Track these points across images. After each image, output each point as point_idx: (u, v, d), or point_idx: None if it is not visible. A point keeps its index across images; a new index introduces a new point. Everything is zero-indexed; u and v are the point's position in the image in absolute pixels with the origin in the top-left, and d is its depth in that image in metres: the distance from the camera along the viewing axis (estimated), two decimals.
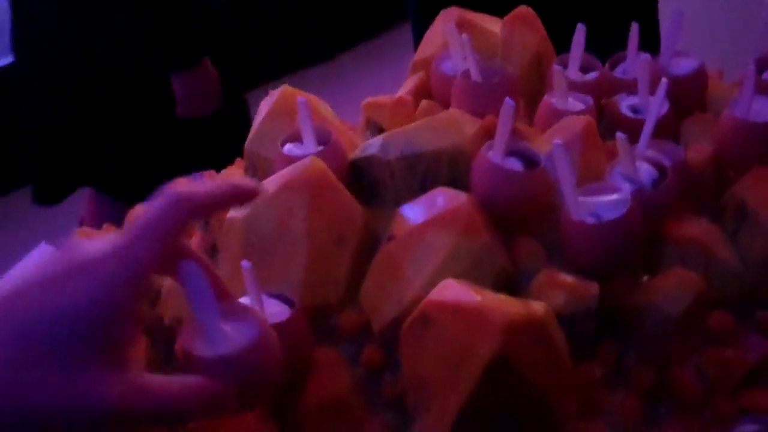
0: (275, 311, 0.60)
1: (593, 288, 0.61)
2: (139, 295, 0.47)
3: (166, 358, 0.66)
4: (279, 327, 0.59)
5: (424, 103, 0.82)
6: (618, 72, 0.86)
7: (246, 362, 0.50)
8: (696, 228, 0.69)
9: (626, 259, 0.64)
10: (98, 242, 0.47)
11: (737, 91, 0.79)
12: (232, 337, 0.51)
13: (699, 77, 0.82)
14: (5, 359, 0.43)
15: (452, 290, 0.55)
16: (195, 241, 0.76)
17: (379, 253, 0.65)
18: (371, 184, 0.70)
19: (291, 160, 0.68)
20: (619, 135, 0.65)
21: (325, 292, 0.65)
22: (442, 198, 0.64)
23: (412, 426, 0.59)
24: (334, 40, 2.93)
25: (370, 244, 0.68)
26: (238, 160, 0.89)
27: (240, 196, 0.53)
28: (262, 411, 0.60)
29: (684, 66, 0.82)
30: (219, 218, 0.74)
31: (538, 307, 0.55)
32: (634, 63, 0.85)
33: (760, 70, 0.80)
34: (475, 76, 0.75)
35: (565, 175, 0.62)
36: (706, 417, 0.63)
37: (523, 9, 0.87)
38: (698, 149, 0.74)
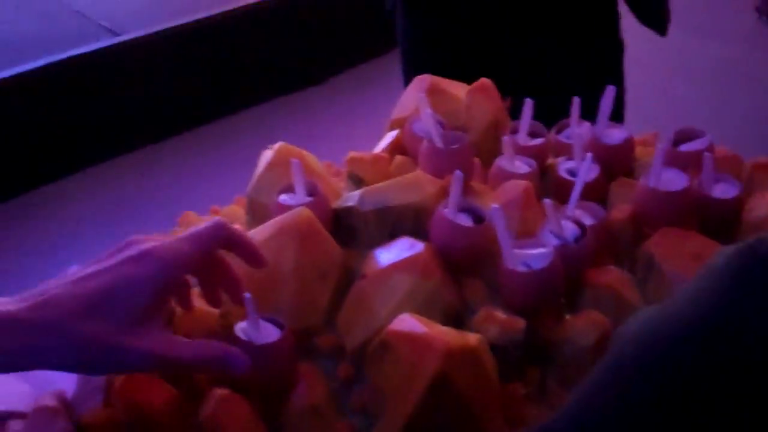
0: (269, 332, 0.76)
1: (521, 323, 0.77)
2: (179, 278, 0.73)
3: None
4: (271, 345, 0.74)
5: (398, 158, 0.97)
6: (563, 136, 1.02)
7: (269, 355, 0.74)
8: (610, 276, 0.84)
9: (550, 301, 0.80)
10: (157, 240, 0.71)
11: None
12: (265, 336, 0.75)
13: (627, 146, 0.98)
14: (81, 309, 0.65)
15: (406, 322, 0.71)
16: None
17: (354, 287, 0.81)
18: (349, 230, 0.86)
19: (285, 208, 0.84)
20: (546, 201, 0.81)
21: (308, 318, 0.81)
22: (406, 245, 0.80)
23: (373, 429, 0.75)
24: (326, 64, 3.08)
25: (347, 279, 0.83)
26: (239, 198, 1.05)
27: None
28: (255, 415, 0.76)
29: (615, 136, 0.98)
30: None
31: (472, 337, 0.71)
32: (577, 129, 1.01)
33: (676, 143, 0.96)
34: (438, 142, 0.91)
35: (501, 232, 0.78)
36: None
37: (485, 81, 1.03)
38: (620, 209, 0.90)
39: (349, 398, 0.79)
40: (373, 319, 0.78)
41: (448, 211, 0.81)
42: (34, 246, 2.24)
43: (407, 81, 1.63)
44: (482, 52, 1.35)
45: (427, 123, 0.96)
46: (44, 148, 2.73)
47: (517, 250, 0.79)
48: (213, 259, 0.77)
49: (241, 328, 0.77)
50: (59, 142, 2.78)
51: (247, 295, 0.74)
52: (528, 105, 0.96)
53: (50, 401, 0.78)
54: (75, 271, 0.71)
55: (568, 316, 0.82)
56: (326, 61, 3.06)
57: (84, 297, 0.67)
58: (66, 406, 0.78)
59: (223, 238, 0.74)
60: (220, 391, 0.74)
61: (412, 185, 0.85)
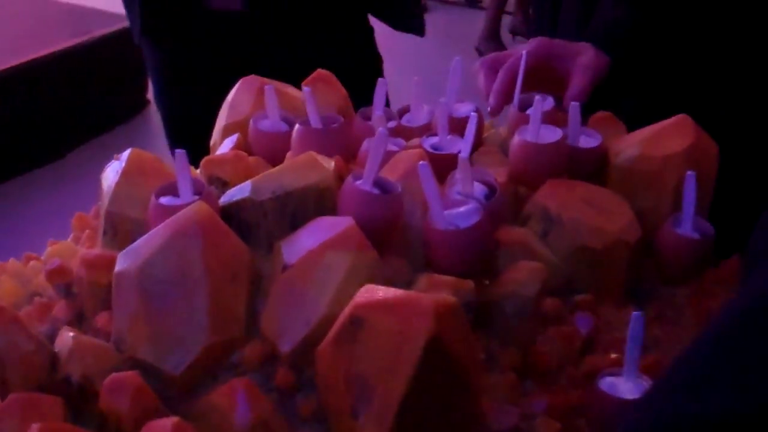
0: None
1: (469, 284, 0.71)
2: None
3: (79, 414, 0.65)
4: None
5: (252, 159, 0.88)
6: (404, 121, 0.99)
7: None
8: (517, 234, 0.81)
9: (482, 260, 0.75)
10: None
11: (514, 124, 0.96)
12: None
13: (480, 118, 0.96)
14: None
15: (377, 291, 0.63)
16: (59, 309, 0.75)
17: (277, 282, 0.70)
18: (243, 227, 0.75)
19: (171, 210, 0.72)
20: (462, 157, 0.77)
21: (229, 328, 0.69)
22: (326, 225, 0.71)
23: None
24: (63, 138, 2.81)
25: (256, 280, 0.73)
26: (51, 241, 0.88)
27: None
28: None
29: (465, 109, 0.97)
30: (85, 283, 0.74)
31: (447, 297, 0.64)
32: (418, 113, 0.99)
33: (522, 108, 0.96)
34: (315, 123, 0.83)
35: (431, 190, 0.72)
36: (562, 383, 0.75)
37: (322, 71, 0.97)
38: (497, 172, 0.88)
39: (293, 409, 0.68)
40: (312, 311, 0.68)
41: (362, 182, 0.74)
42: None
43: (166, 117, 1.52)
44: (232, 75, 1.26)
45: (277, 113, 0.89)
46: None
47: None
48: None
49: None
50: None
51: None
52: (381, 86, 0.92)
53: None
54: None
55: (486, 282, 0.78)
56: (65, 134, 2.78)
57: None
58: None
59: None
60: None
61: (308, 166, 0.77)
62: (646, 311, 0.83)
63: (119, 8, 1.52)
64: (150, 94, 3.03)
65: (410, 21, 1.49)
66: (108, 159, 0.81)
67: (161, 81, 1.51)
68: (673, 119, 0.89)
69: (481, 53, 3.73)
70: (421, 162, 0.72)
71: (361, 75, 1.21)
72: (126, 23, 1.53)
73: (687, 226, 0.83)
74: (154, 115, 2.90)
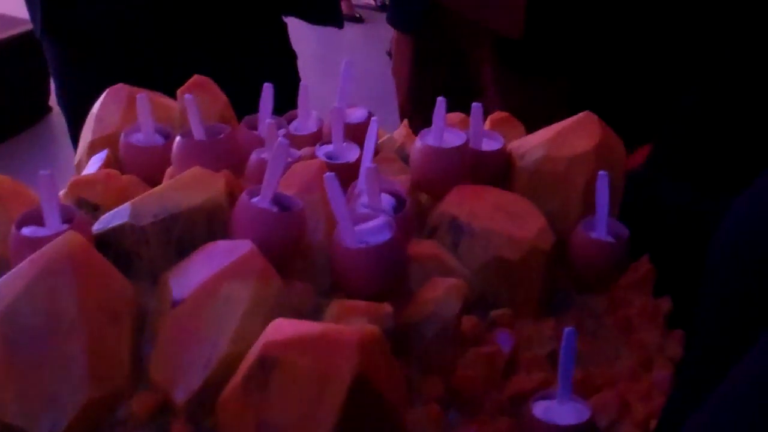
0: None
1: (386, 308, 0.64)
2: None
3: None
4: None
5: (126, 177, 0.78)
6: (291, 129, 0.91)
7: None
8: (427, 246, 0.75)
9: (396, 278, 0.68)
10: None
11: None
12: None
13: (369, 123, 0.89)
14: None
15: (289, 326, 0.54)
16: None
17: (166, 321, 0.61)
18: (121, 258, 0.65)
19: (37, 242, 0.61)
20: (369, 167, 0.70)
21: (111, 378, 0.59)
22: (223, 250, 0.63)
23: None
24: None
25: (140, 319, 0.63)
26: None
27: None
28: None
29: (357, 114, 0.89)
30: None
31: (369, 326, 0.57)
32: (306, 120, 0.91)
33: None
34: (199, 135, 0.74)
35: (340, 207, 0.64)
36: (487, 410, 0.69)
37: (199, 77, 0.88)
38: (400, 180, 0.81)
39: None
40: (210, 352, 0.59)
41: (260, 200, 0.65)
42: None
43: (71, 114, 1.38)
44: (141, 74, 1.15)
45: (151, 125, 0.79)
46: None
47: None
48: None
49: None
50: None
51: None
52: (267, 90, 0.83)
53: None
54: None
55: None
56: None
57: None
58: None
59: None
60: None
61: (196, 183, 0.68)
62: (563, 322, 0.79)
63: (15, 11, 1.36)
64: (52, 101, 2.83)
65: (327, 13, 1.39)
66: (8, 170, 0.69)
67: (65, 81, 1.37)
68: (576, 117, 0.85)
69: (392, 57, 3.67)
70: (327, 173, 0.64)
71: (275, 74, 1.13)
72: (23, 28, 1.38)
73: (601, 230, 0.79)
74: (57, 122, 2.72)
